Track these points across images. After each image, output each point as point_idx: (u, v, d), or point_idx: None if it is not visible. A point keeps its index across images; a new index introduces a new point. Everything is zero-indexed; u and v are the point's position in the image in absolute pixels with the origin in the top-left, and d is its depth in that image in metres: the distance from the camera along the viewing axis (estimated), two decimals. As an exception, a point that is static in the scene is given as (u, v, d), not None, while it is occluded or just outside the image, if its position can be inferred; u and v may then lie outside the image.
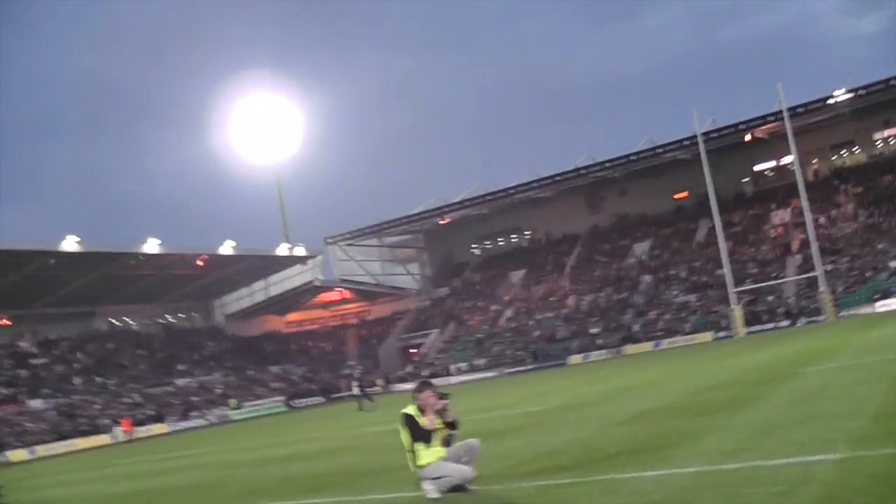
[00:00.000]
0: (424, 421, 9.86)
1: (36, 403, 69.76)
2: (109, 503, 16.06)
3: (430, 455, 9.79)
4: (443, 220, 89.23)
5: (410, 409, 10.02)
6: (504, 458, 12.26)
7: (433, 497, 9.62)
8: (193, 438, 46.87)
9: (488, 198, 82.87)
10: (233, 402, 73.36)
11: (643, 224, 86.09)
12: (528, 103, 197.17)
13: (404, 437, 10.06)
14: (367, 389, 51.78)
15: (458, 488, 9.64)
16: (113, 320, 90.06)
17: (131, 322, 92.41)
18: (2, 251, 65.43)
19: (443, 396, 10.15)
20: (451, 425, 10.15)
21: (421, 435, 9.85)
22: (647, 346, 66.13)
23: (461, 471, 9.67)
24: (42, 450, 59.49)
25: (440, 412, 9.98)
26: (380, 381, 76.05)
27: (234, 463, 21.92)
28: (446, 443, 10.00)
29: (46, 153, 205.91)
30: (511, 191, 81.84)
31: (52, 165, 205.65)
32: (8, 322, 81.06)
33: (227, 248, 77.28)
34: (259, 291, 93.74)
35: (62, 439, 62.15)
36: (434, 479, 9.69)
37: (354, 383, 52.52)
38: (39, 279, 72.12)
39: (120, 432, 62.93)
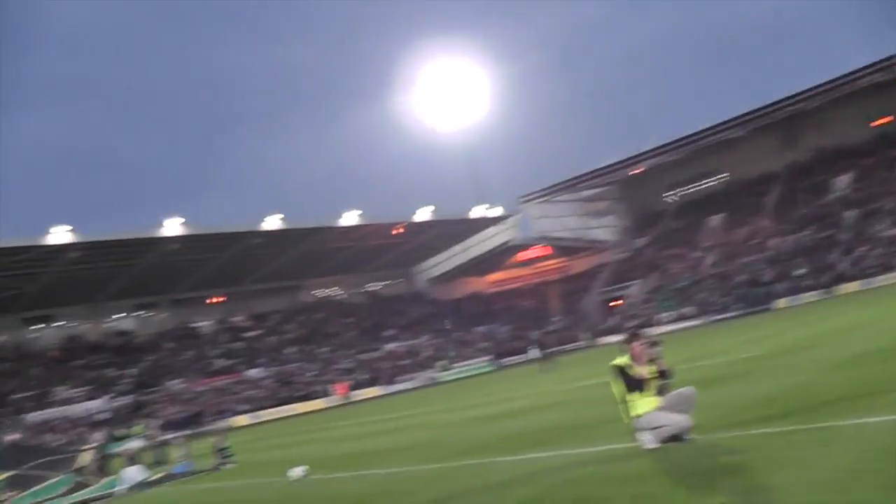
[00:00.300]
0: (636, 370, 9.79)
1: (253, 373, 73.01)
2: (331, 464, 16.55)
3: (645, 405, 9.71)
4: (635, 169, 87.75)
5: (621, 360, 9.96)
6: (719, 406, 12.03)
7: (650, 447, 9.54)
8: (406, 400, 47.85)
9: (679, 143, 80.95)
10: (441, 363, 74.54)
11: (843, 156, 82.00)
12: (706, 49, 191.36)
13: (616, 388, 10.01)
14: (549, 350, 51.68)
15: (675, 438, 9.52)
16: (318, 292, 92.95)
17: (337, 292, 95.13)
18: (211, 234, 68.35)
19: (653, 344, 10.05)
20: (664, 374, 10.03)
21: (634, 384, 9.78)
22: (857, 284, 63.27)
23: (678, 420, 9.54)
24: (262, 415, 62.33)
25: (652, 361, 9.88)
26: (585, 335, 75.84)
27: (448, 422, 22.27)
28: (660, 392, 9.90)
29: (248, 141, 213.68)
30: (702, 134, 79.66)
31: (254, 152, 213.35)
32: (221, 299, 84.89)
33: (423, 215, 78.27)
34: (459, 254, 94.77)
35: (280, 405, 64.89)
36: (651, 429, 9.61)
37: (533, 346, 52.25)
38: (247, 258, 75.08)
39: (337, 396, 65.19)
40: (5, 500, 19.41)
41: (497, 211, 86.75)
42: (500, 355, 77.90)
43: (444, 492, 10.00)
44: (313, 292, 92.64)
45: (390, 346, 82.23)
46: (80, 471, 25.70)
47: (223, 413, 63.60)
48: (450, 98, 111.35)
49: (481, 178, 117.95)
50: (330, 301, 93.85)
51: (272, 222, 68.90)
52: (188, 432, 36.80)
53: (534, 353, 50.21)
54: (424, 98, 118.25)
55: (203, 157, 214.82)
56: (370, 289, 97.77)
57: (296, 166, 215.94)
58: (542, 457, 11.14)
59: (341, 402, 63.15)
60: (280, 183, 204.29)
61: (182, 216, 64.69)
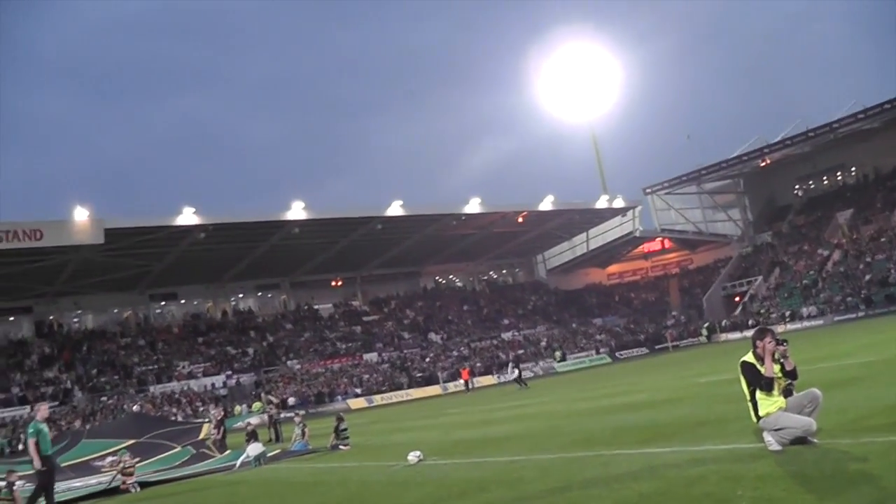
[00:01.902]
0: (764, 368, 9.55)
1: (370, 356, 73.81)
2: (446, 450, 16.60)
3: (770, 405, 9.47)
4: (763, 161, 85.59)
5: (749, 357, 9.73)
6: (845, 410, 11.66)
7: (775, 449, 9.30)
8: (522, 390, 47.80)
9: (810, 135, 78.29)
10: (558, 353, 74.28)
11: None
12: (843, 33, 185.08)
13: (744, 385, 9.79)
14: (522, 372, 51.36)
15: (800, 440, 9.27)
16: (438, 278, 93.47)
17: (455, 280, 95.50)
18: (333, 219, 69.12)
19: (780, 343, 9.80)
20: (791, 374, 9.78)
21: (760, 383, 9.54)
22: None
23: (804, 422, 9.27)
24: (379, 398, 63.05)
25: (780, 360, 9.63)
26: (704, 331, 74.70)
27: (564, 413, 22.15)
28: (787, 393, 9.64)
29: (370, 127, 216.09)
30: (835, 125, 76.93)
31: (376, 138, 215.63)
32: (340, 283, 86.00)
33: (546, 204, 77.72)
34: (580, 245, 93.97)
35: (396, 389, 65.54)
36: (775, 430, 9.36)
37: (510, 365, 51.87)
38: (368, 243, 75.73)
39: (452, 384, 65.56)
40: (130, 466, 19.98)
41: (620, 202, 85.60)
42: (617, 348, 77.29)
43: (561, 482, 9.92)
44: (433, 278, 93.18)
45: (508, 334, 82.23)
46: (200, 443, 26.38)
47: (340, 395, 64.52)
48: (578, 86, 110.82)
49: (606, 167, 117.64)
50: (449, 288, 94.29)
51: (394, 208, 69.28)
52: (305, 412, 37.34)
53: (512, 372, 49.99)
54: (552, 86, 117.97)
55: (328, 142, 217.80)
56: (489, 277, 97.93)
57: (420, 153, 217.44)
58: (661, 452, 10.97)
59: (461, 389, 63.45)
60: (404, 169, 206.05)
61: (305, 200, 65.53)
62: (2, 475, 20.27)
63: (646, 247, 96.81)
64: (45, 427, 17.17)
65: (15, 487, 19.08)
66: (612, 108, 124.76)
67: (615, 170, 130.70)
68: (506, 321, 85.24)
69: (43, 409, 18.06)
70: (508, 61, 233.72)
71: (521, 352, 74.75)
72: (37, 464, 16.84)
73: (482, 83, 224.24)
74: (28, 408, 59.81)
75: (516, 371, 50.31)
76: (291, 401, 60.26)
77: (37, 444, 16.70)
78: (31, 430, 16.86)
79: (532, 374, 68.05)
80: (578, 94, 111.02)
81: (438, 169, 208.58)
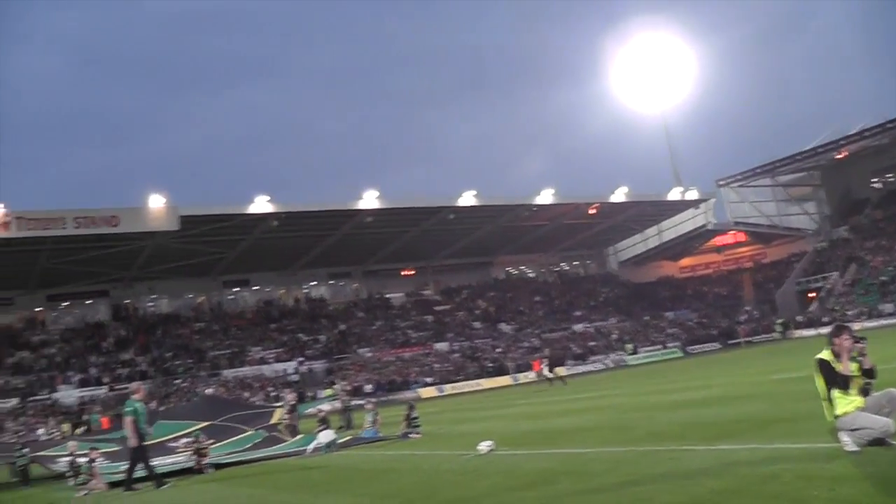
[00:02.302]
0: (840, 366, 9.42)
1: (441, 346, 74.04)
2: (517, 440, 16.63)
3: (847, 404, 9.34)
4: (839, 154, 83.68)
5: (825, 355, 9.61)
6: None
7: (851, 450, 9.15)
8: (592, 381, 47.68)
9: (888, 126, 76.33)
10: (629, 346, 73.92)
11: None
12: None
13: (819, 383, 9.67)
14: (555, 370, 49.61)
15: (878, 442, 9.11)
16: (509, 269, 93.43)
17: (527, 270, 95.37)
18: (405, 208, 69.44)
19: (858, 340, 9.66)
20: (869, 373, 9.64)
21: (836, 381, 9.41)
22: None
23: (882, 423, 9.11)
24: (449, 388, 63.28)
25: (857, 358, 9.49)
26: (778, 327, 73.56)
27: (634, 406, 22.05)
28: (864, 392, 9.50)
29: (444, 117, 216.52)
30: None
31: (449, 128, 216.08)
32: (412, 272, 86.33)
33: (619, 196, 77.21)
34: (652, 237, 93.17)
35: (466, 379, 65.71)
36: (852, 430, 9.23)
37: (544, 362, 50.15)
38: (440, 232, 75.95)
39: (522, 375, 65.43)
40: (205, 447, 20.32)
41: (693, 194, 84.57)
42: (689, 342, 76.61)
43: (631, 476, 9.90)
44: (504, 269, 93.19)
45: (579, 326, 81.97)
46: (272, 427, 26.72)
47: (410, 383, 64.84)
48: (651, 76, 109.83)
49: (679, 159, 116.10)
50: (520, 278, 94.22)
51: (467, 198, 69.36)
52: (377, 399, 37.60)
53: (546, 371, 48.81)
54: (625, 76, 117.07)
55: (401, 132, 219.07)
56: (561, 268, 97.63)
57: (493, 143, 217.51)
58: (734, 449, 10.88)
59: (534, 380, 63.29)
60: (476, 159, 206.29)
61: (378, 189, 65.91)
62: (85, 452, 20.79)
63: (718, 240, 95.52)
64: (141, 405, 17.99)
65: (95, 464, 19.57)
66: (685, 98, 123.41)
67: (688, 161, 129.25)
68: (577, 313, 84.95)
69: (140, 389, 18.85)
70: (581, 52, 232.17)
71: (544, 349, 74.50)
72: (133, 441, 17.64)
73: (555, 74, 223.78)
74: (104, 388, 61.38)
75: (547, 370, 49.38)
76: (368, 388, 60.67)
77: (134, 421, 17.49)
78: (128, 409, 17.67)
79: (603, 367, 67.96)
80: (652, 85, 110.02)
81: (510, 159, 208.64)
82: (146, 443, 18.21)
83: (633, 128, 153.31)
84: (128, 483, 17.71)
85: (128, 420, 17.70)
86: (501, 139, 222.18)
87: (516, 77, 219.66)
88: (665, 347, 75.42)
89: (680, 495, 8.19)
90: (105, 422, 47.91)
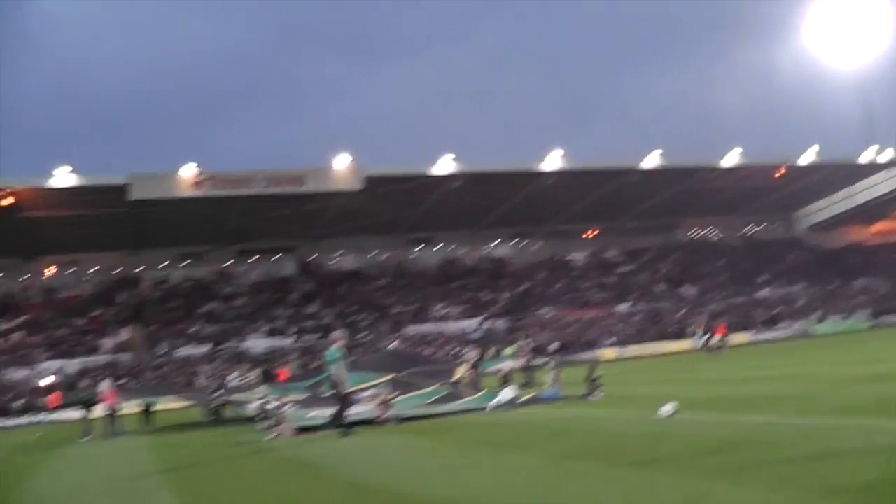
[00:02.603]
0: None
1: (623, 308, 73.60)
2: (701, 405, 16.44)
3: None
4: None
5: None
6: None
7: None
8: (777, 350, 46.61)
9: None
10: (816, 315, 71.80)
11: None
12: None
13: None
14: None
15: None
16: (693, 232, 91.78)
17: (711, 233, 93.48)
18: (590, 170, 68.98)
19: None
20: None
21: None
22: None
23: None
24: (629, 350, 62.91)
25: None
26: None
27: (821, 377, 21.47)
28: None
29: (631, 76, 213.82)
30: None
31: (628, 89, 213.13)
32: (594, 234, 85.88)
33: (808, 157, 74.60)
34: (843, 200, 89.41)
35: (648, 342, 65.13)
36: None
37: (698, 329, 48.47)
38: (624, 194, 75.08)
39: (716, 337, 64.48)
40: (391, 399, 20.88)
41: (889, 154, 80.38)
42: (879, 312, 73.74)
43: (821, 449, 9.70)
44: (688, 232, 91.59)
45: (763, 292, 79.97)
46: (455, 383, 27.15)
47: (591, 344, 64.67)
48: (847, 30, 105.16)
49: (874, 117, 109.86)
50: (705, 242, 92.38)
51: (652, 159, 68.32)
52: (560, 359, 37.69)
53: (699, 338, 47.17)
54: (819, 31, 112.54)
55: (587, 92, 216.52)
56: (747, 232, 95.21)
57: (680, 103, 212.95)
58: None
59: (717, 345, 62.34)
60: (663, 119, 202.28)
61: (563, 150, 65.65)
62: (276, 397, 21.70)
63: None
64: (344, 353, 18.97)
65: (284, 410, 20.40)
66: (884, 52, 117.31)
67: (885, 121, 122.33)
68: (762, 278, 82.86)
69: (341, 337, 19.93)
70: (773, 5, 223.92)
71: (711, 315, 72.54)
72: (344, 387, 18.82)
73: (745, 29, 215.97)
74: (290, 339, 63.83)
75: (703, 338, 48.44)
76: (553, 346, 60.61)
77: (343, 367, 18.66)
78: (336, 356, 18.65)
79: (788, 334, 66.38)
80: (848, 39, 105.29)
81: (700, 120, 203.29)
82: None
83: (827, 84, 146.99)
84: (341, 425, 18.50)
85: (338, 366, 18.64)
86: (690, 97, 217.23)
87: (711, 33, 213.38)
88: (854, 317, 72.86)
89: (875, 473, 7.99)
90: (282, 373, 49.42)
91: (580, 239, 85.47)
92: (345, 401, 18.60)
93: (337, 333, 21.34)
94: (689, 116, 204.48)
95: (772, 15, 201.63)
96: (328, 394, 20.00)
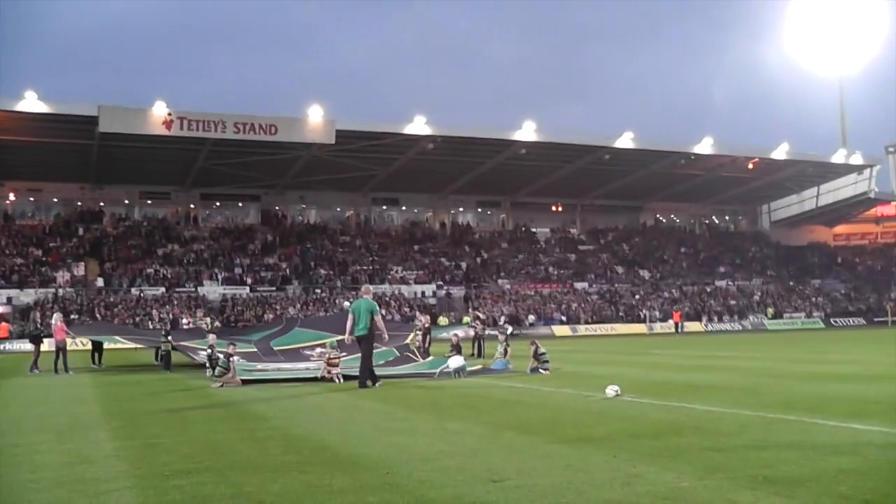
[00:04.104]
0: None
1: (581, 286, 73.96)
2: (644, 389, 16.57)
3: None
4: None
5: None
6: None
7: None
8: (728, 341, 47.06)
9: None
10: (770, 310, 72.54)
11: None
12: None
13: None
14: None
15: None
16: (658, 216, 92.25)
17: (676, 219, 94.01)
18: (562, 144, 68.99)
19: None
20: None
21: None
22: None
23: None
24: (583, 329, 63.46)
25: None
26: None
27: (768, 372, 21.69)
28: None
29: (610, 55, 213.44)
30: None
31: (609, 67, 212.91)
32: (560, 209, 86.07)
33: (780, 153, 74.95)
34: (809, 199, 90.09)
35: (602, 322, 65.64)
36: None
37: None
38: (593, 172, 75.40)
39: (658, 325, 65.25)
40: (336, 358, 20.90)
41: (858, 158, 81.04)
42: (833, 313, 74.65)
43: (757, 441, 9.79)
44: (654, 215, 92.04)
45: (721, 282, 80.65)
46: (405, 347, 27.24)
47: (545, 319, 65.04)
48: (831, 33, 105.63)
49: (848, 120, 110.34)
50: (668, 227, 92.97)
51: (624, 140, 68.49)
52: (510, 332, 37.85)
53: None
54: (801, 30, 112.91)
55: (566, 66, 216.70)
56: (711, 221, 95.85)
57: (656, 86, 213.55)
58: (866, 430, 10.61)
59: (668, 331, 63.01)
60: (637, 101, 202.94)
61: (537, 122, 65.58)
62: (223, 349, 21.68)
63: (879, 210, 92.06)
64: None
65: (232, 360, 20.40)
66: (867, 59, 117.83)
67: (856, 124, 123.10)
68: (721, 269, 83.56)
69: (369, 290, 20.50)
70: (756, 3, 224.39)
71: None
72: (386, 336, 20.08)
73: (726, 20, 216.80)
74: (246, 288, 63.72)
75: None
76: (502, 319, 61.01)
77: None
78: (373, 308, 19.07)
79: (740, 328, 67.15)
80: (830, 42, 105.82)
81: (675, 105, 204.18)
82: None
83: (803, 83, 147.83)
84: (372, 378, 19.03)
85: (377, 318, 19.13)
86: (666, 82, 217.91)
87: (692, 17, 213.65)
88: (808, 316, 73.74)
89: (805, 468, 8.08)
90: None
91: (546, 212, 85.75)
92: (368, 349, 19.12)
93: (366, 287, 21.98)
94: (664, 99, 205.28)
95: (756, 9, 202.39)
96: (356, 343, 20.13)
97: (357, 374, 19.02)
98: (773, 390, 16.24)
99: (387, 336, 20.21)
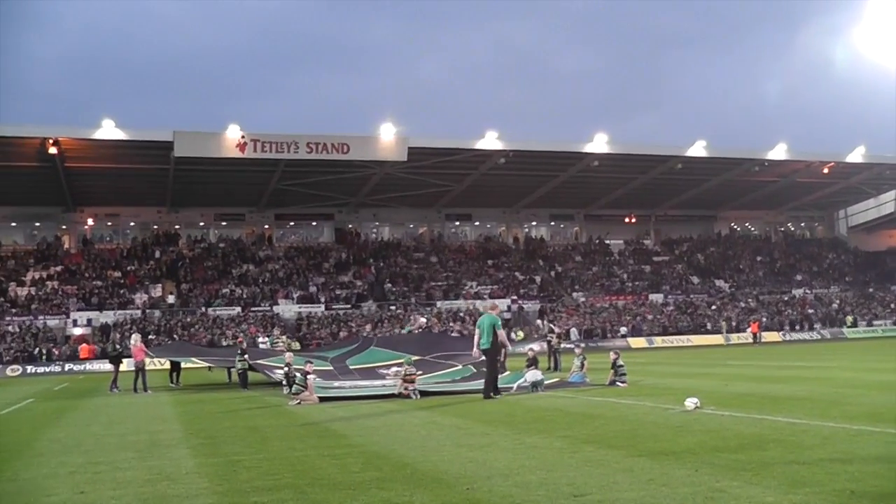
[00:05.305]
0: None
1: (656, 297, 73.35)
2: (725, 401, 16.36)
3: None
4: None
5: None
6: None
7: None
8: (807, 350, 46.30)
9: None
10: (850, 318, 71.19)
11: None
12: None
13: None
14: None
15: None
16: (733, 225, 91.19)
17: (751, 227, 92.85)
18: (633, 155, 68.64)
19: None
20: None
21: None
22: None
23: None
24: (659, 340, 62.92)
25: None
26: None
27: (850, 382, 21.27)
28: None
29: (682, 63, 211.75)
30: None
31: (685, 75, 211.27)
32: (634, 220, 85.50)
33: (856, 155, 73.49)
34: (887, 203, 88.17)
35: (679, 334, 65.02)
36: None
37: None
38: (666, 182, 74.79)
39: (735, 335, 64.48)
40: (412, 374, 21.03)
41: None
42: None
43: (842, 453, 9.62)
44: (728, 224, 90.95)
45: (799, 290, 79.39)
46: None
47: (622, 332, 64.60)
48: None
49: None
50: (743, 235, 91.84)
51: (696, 149, 67.83)
52: (586, 344, 37.67)
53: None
54: (872, 33, 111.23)
55: (635, 76, 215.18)
56: (787, 228, 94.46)
57: (729, 94, 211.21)
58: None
59: (746, 342, 62.24)
60: (710, 108, 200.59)
61: (608, 133, 65.24)
62: (300, 367, 21.89)
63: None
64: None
65: (309, 378, 20.57)
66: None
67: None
68: (798, 277, 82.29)
69: (496, 306, 22.23)
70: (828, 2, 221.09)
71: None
72: (509, 347, 22.12)
73: (798, 19, 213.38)
74: (321, 306, 64.29)
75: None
76: (573, 333, 60.73)
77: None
78: (496, 322, 20.37)
79: (819, 337, 66.08)
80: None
81: (748, 112, 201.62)
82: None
83: (879, 84, 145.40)
84: (495, 390, 20.03)
85: (501, 332, 20.58)
86: (741, 88, 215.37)
87: (768, 20, 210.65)
88: (889, 323, 72.19)
89: (894, 482, 7.92)
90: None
91: (619, 224, 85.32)
92: (499, 364, 20.61)
93: (491, 302, 23.31)
94: (735, 109, 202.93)
95: (827, 11, 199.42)
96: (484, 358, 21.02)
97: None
98: (857, 401, 15.94)
99: (510, 347, 21.82)
